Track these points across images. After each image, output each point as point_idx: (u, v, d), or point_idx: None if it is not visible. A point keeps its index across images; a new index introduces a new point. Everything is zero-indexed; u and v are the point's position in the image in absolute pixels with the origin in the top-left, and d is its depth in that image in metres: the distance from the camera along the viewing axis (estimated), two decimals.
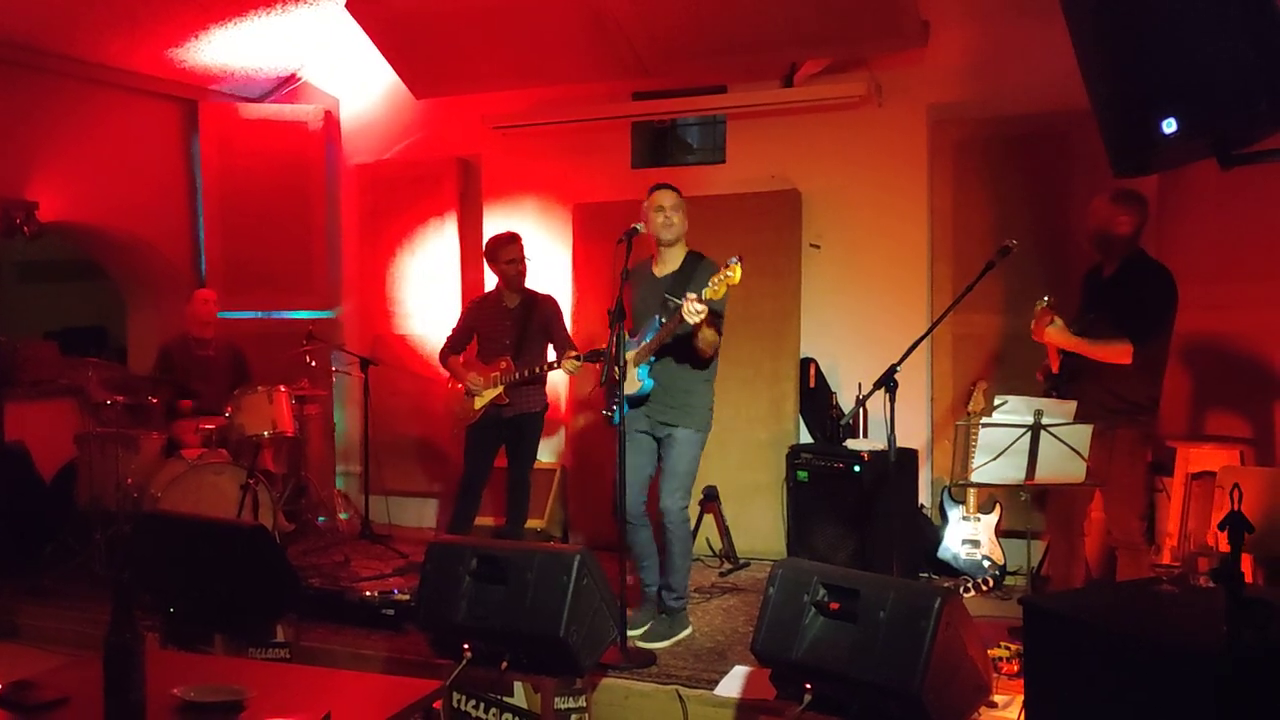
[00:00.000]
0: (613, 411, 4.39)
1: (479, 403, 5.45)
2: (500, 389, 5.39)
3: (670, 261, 4.58)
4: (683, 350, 4.40)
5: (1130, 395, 4.08)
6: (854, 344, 5.97)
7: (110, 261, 7.44)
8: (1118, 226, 4.12)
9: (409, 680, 2.66)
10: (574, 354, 5.21)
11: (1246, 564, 4.09)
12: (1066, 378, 4.12)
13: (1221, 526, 1.95)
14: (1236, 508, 1.92)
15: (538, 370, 5.37)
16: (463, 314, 5.79)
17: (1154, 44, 2.75)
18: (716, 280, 4.13)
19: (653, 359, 4.45)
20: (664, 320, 4.36)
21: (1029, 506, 4.60)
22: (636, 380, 4.44)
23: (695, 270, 4.50)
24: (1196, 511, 4.61)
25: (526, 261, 5.53)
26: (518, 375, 5.37)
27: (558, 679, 3.63)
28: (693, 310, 4.07)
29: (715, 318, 4.30)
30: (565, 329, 5.64)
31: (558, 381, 6.67)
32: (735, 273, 4.08)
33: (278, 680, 2.38)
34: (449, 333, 5.70)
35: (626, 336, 4.50)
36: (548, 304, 5.60)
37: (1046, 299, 4.04)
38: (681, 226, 4.55)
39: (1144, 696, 2.36)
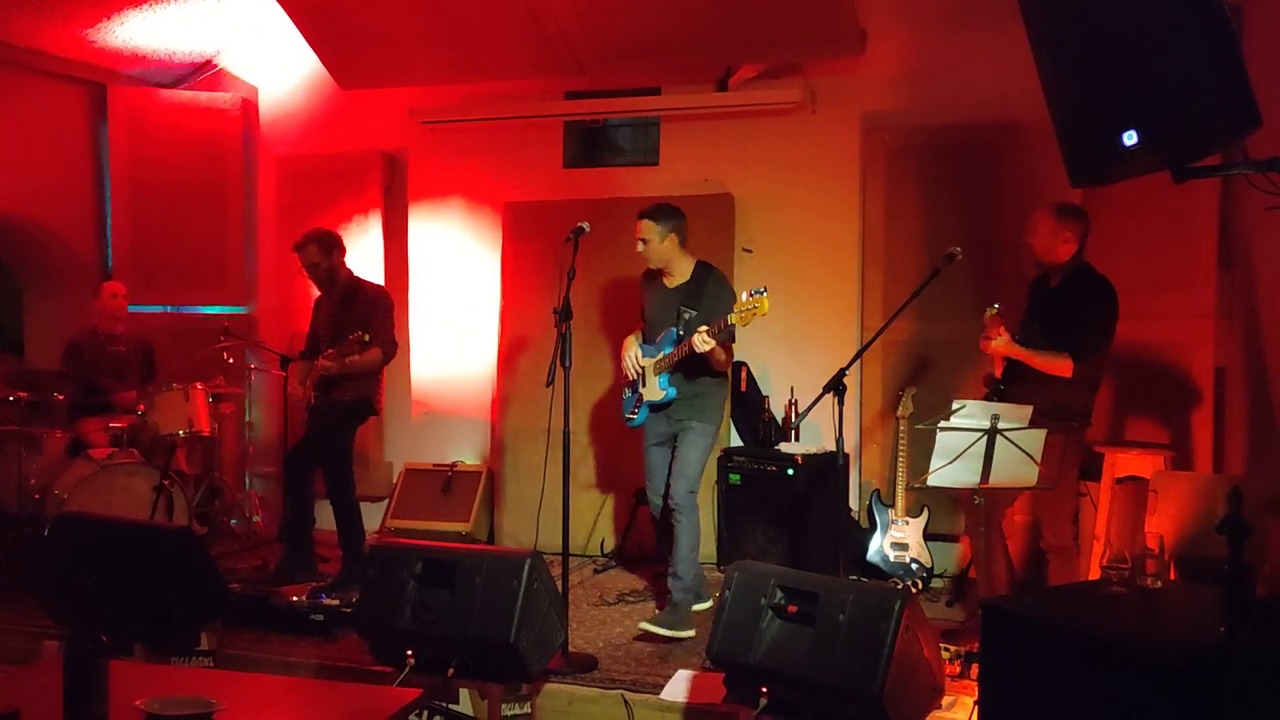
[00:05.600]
0: (635, 414, 4.68)
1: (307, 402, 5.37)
2: (309, 389, 5.28)
3: (679, 273, 4.65)
4: (698, 360, 4.44)
5: (1066, 402, 4.18)
6: (785, 349, 6.00)
7: (6, 250, 7.06)
8: (1060, 247, 4.23)
9: (383, 689, 2.56)
10: (330, 350, 5.03)
11: (1174, 566, 4.22)
12: (1008, 383, 4.20)
13: (1219, 530, 2.00)
14: (1236, 511, 1.97)
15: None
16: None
17: (1116, 58, 2.81)
18: (744, 309, 4.12)
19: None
20: (680, 333, 4.47)
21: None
22: (659, 389, 4.58)
23: (706, 281, 4.60)
24: (1120, 515, 4.75)
25: (325, 261, 5.29)
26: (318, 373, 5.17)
27: (504, 685, 3.56)
28: (702, 342, 4.20)
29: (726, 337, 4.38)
30: (386, 321, 5.30)
31: (483, 378, 6.57)
32: (763, 305, 4.08)
33: (245, 690, 2.25)
34: None
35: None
36: (369, 295, 5.36)
37: (996, 307, 4.12)
38: (666, 251, 4.58)
39: (1115, 696, 2.40)
